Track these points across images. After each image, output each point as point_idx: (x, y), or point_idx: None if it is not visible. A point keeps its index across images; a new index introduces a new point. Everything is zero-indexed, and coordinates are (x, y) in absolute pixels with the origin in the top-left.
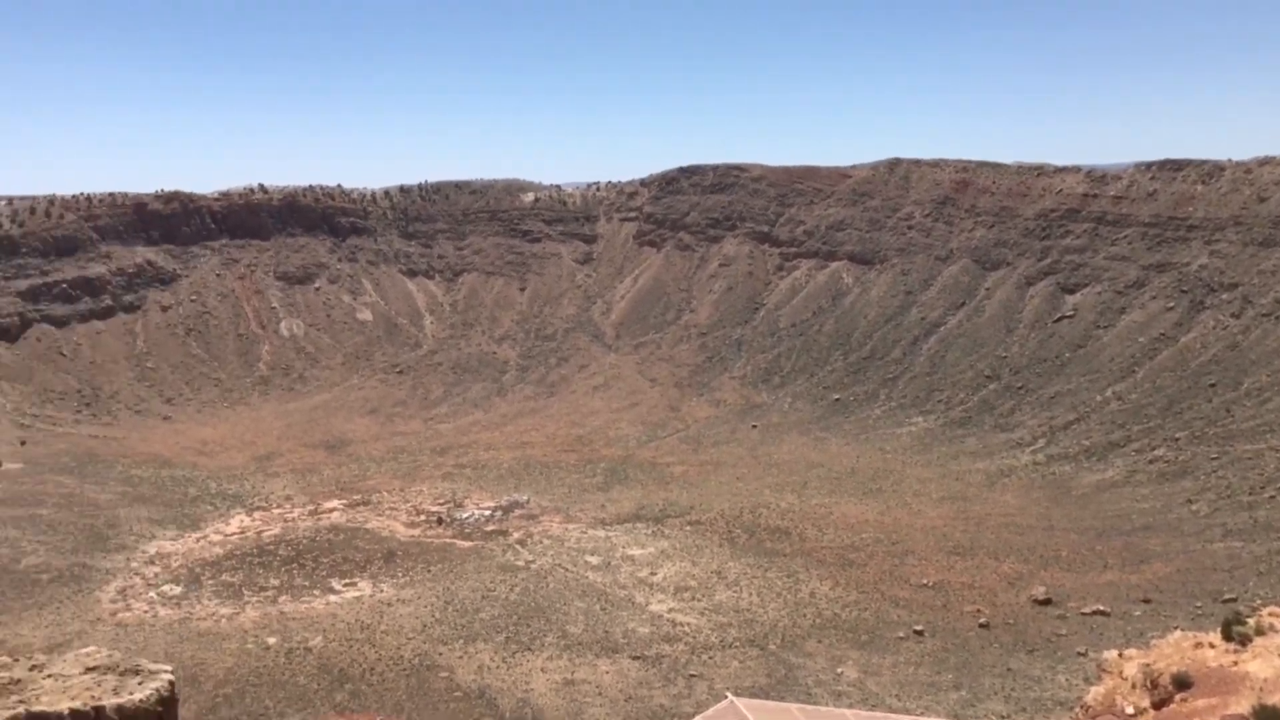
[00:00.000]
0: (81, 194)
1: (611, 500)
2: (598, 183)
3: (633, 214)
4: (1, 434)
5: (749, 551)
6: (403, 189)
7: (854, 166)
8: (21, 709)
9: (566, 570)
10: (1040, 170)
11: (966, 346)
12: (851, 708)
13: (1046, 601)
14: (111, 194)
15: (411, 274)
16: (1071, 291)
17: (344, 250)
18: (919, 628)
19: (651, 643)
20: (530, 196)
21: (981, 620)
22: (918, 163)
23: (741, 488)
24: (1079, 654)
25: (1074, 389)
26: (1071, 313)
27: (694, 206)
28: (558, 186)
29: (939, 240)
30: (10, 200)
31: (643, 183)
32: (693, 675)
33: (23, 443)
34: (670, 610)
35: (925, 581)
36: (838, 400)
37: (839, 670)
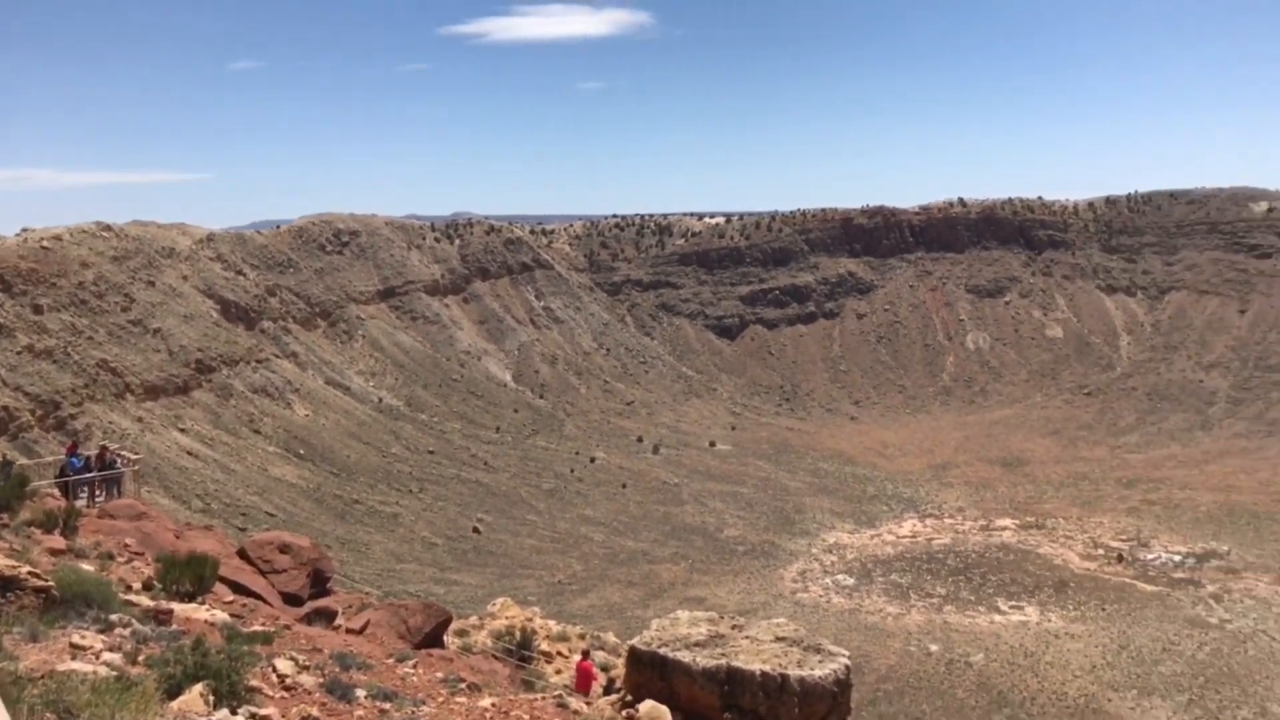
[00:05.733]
0: (798, 210)
1: None
2: None
3: None
4: (718, 418)
5: None
6: (1108, 200)
7: None
8: (724, 661)
9: (1273, 639)
10: None
11: None
12: None
13: None
14: (823, 209)
15: (1110, 290)
16: None
17: (1038, 264)
18: None
19: None
20: (1263, 206)
21: None
22: None
23: None
24: None
25: None
26: None
27: None
28: None
29: None
30: (741, 216)
31: None
32: None
33: (733, 428)
34: None
35: None
36: None
37: None
